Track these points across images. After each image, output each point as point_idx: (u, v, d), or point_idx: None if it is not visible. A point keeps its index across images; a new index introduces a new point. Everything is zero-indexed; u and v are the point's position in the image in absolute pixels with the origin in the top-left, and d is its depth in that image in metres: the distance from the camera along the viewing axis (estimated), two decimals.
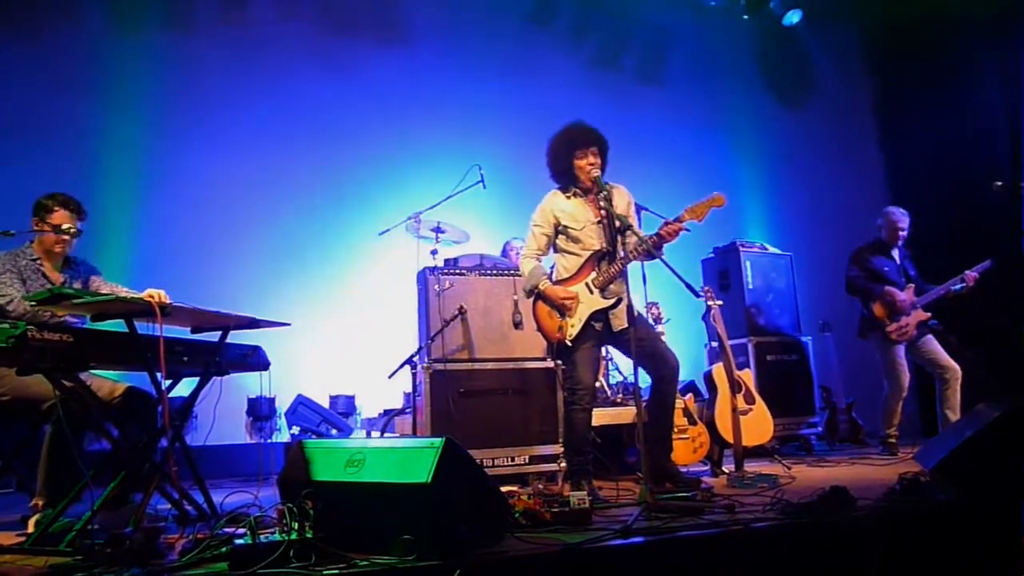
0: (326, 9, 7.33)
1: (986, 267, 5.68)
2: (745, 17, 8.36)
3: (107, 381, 3.86)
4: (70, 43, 6.41)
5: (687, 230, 3.96)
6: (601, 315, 4.06)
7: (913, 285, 5.80)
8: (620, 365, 6.06)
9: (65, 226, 3.85)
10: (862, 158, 9.19)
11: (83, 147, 6.26)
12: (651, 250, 3.88)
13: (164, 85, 6.62)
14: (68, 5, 6.46)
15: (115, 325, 3.35)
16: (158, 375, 3.35)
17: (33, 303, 3.39)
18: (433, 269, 4.95)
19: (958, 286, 5.67)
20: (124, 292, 3.72)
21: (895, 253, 5.98)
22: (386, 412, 6.08)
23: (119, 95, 6.44)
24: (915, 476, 3.44)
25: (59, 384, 3.26)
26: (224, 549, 2.56)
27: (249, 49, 6.99)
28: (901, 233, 5.93)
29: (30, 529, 3.20)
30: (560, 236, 4.24)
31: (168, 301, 3.38)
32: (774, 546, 2.87)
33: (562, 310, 4.06)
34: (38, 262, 3.87)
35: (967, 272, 5.65)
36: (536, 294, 4.18)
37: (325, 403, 6.43)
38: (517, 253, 6.12)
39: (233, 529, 2.80)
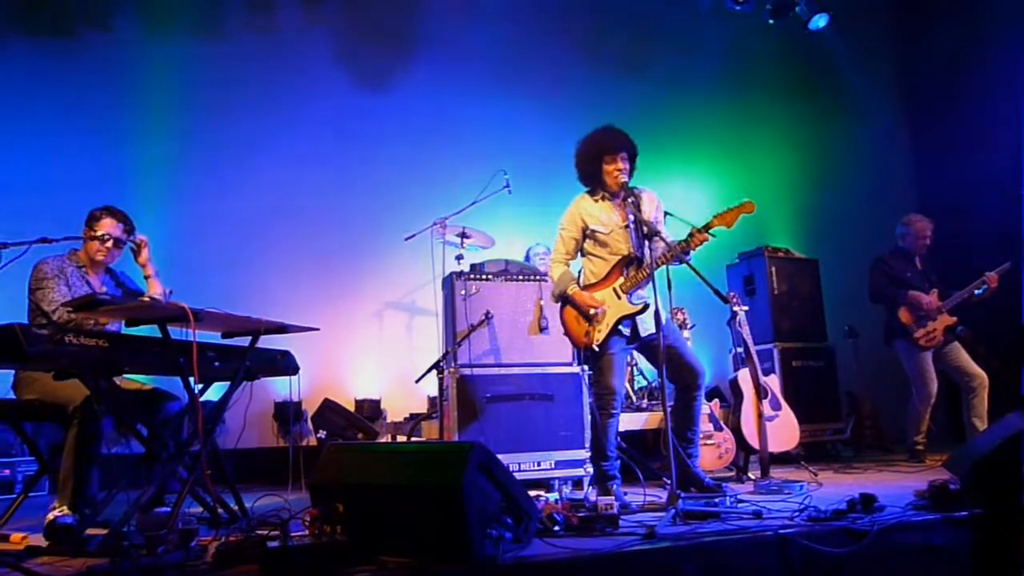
0: (352, 17, 7.38)
1: (1007, 269, 5.64)
2: (771, 22, 8.31)
3: (134, 383, 3.95)
4: (103, 53, 6.49)
5: (713, 235, 3.97)
6: (628, 320, 4.07)
7: (937, 290, 5.76)
8: (645, 370, 6.06)
9: (105, 234, 3.94)
10: (889, 162, 9.13)
11: (114, 156, 6.35)
12: (679, 255, 3.89)
13: (194, 94, 6.68)
14: (101, 16, 6.55)
15: (150, 331, 3.41)
16: (191, 379, 3.41)
17: (69, 309, 3.48)
18: (459, 274, 4.97)
19: (980, 289, 5.63)
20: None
21: (917, 260, 5.94)
22: (412, 416, 6.11)
23: (150, 104, 6.51)
24: (944, 484, 3.42)
25: (94, 388, 3.33)
26: (256, 551, 2.60)
27: (277, 58, 7.05)
28: (925, 241, 5.90)
29: (46, 521, 3.26)
30: (588, 240, 4.25)
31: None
32: (802, 553, 2.87)
33: (589, 316, 4.07)
34: (83, 270, 3.98)
35: (987, 274, 5.61)
36: (564, 299, 4.20)
37: (351, 407, 6.47)
38: (541, 259, 6.15)
39: (265, 532, 2.85)
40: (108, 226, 3.98)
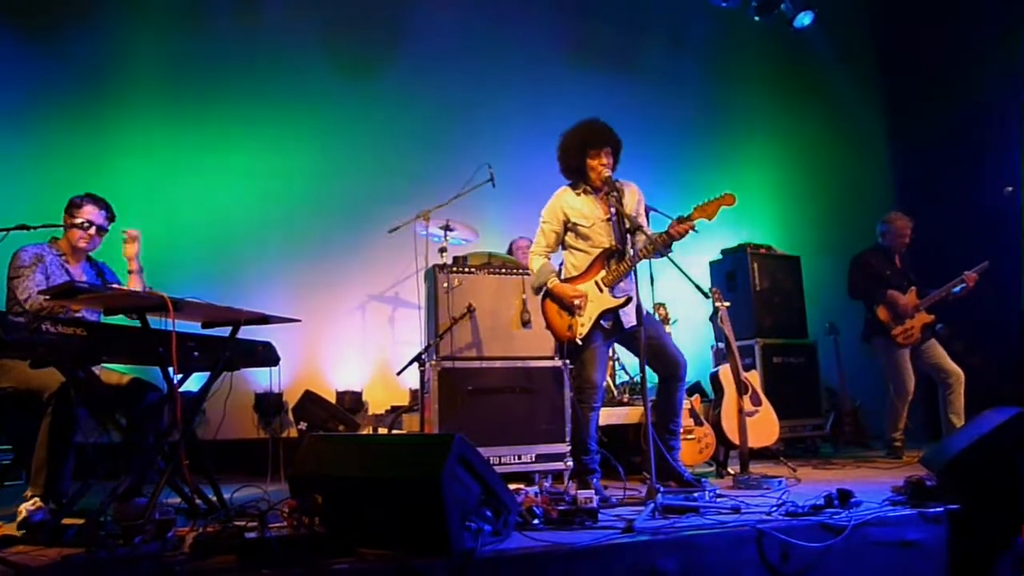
0: (337, 8, 7.34)
1: (985, 268, 5.69)
2: (756, 19, 8.35)
3: (114, 373, 3.92)
4: (86, 44, 6.42)
5: (695, 230, 3.97)
6: (611, 314, 4.07)
7: (915, 288, 5.80)
8: (627, 364, 6.08)
9: (87, 222, 3.91)
10: (871, 160, 9.20)
11: (97, 146, 6.29)
12: (660, 249, 3.89)
13: (177, 85, 6.64)
14: (85, 7, 6.48)
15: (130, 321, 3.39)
16: (170, 369, 3.38)
17: (47, 297, 3.45)
18: (442, 267, 4.96)
19: (958, 288, 5.68)
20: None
21: (897, 258, 5.99)
22: (394, 408, 6.11)
23: (132, 95, 6.46)
24: (921, 480, 3.45)
25: (71, 377, 3.30)
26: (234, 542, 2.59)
27: (260, 49, 7.01)
28: (904, 239, 5.94)
29: (19, 518, 3.24)
30: (569, 233, 4.25)
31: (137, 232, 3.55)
32: (779, 546, 2.89)
33: (571, 309, 4.07)
34: (63, 258, 3.96)
35: (966, 273, 5.66)
36: (545, 292, 4.19)
37: (332, 399, 6.45)
38: (524, 252, 6.14)
39: (243, 523, 2.84)
40: (90, 213, 3.96)
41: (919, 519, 3.20)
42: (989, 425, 3.49)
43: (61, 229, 3.96)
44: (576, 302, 4.05)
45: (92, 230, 3.96)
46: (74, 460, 3.60)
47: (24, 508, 3.29)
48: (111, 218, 4.04)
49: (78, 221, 3.93)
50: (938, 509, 3.24)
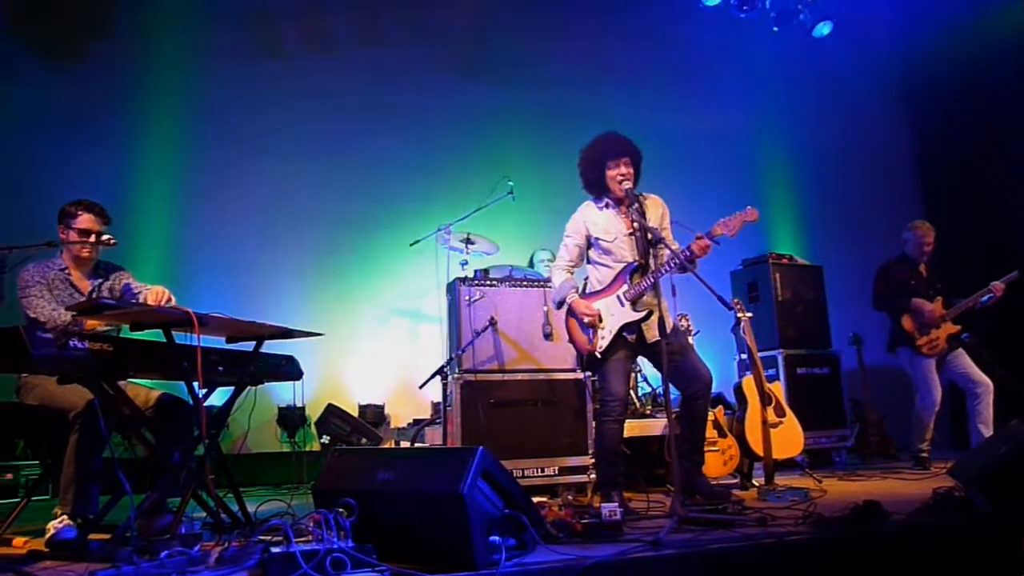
0: (355, 19, 7.40)
1: (1013, 278, 5.61)
2: (775, 29, 8.32)
3: (142, 389, 3.93)
4: (108, 60, 6.52)
5: (718, 243, 3.96)
6: (633, 327, 4.06)
7: (941, 298, 5.74)
8: (649, 376, 6.05)
9: (85, 232, 3.86)
10: (895, 169, 9.12)
11: (120, 161, 6.37)
12: (684, 264, 3.87)
13: (199, 99, 6.72)
14: (107, 23, 6.58)
15: (153, 335, 3.41)
16: (195, 384, 3.41)
17: (74, 313, 3.48)
18: (464, 280, 4.97)
19: (985, 297, 5.61)
20: (151, 297, 3.73)
21: (922, 267, 5.93)
22: (416, 422, 6.11)
23: (155, 111, 6.54)
24: (949, 491, 3.41)
25: (99, 392, 3.33)
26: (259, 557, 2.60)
27: (281, 63, 7.08)
28: (927, 248, 5.88)
29: (47, 535, 3.27)
30: (592, 248, 4.24)
31: (172, 299, 3.54)
32: (807, 560, 2.86)
33: (585, 325, 4.07)
34: (66, 271, 3.90)
35: (993, 283, 5.58)
36: (565, 307, 4.19)
37: (354, 412, 6.47)
38: (545, 265, 6.14)
39: (268, 537, 2.84)
40: (87, 222, 3.87)
41: (948, 531, 3.15)
42: (1017, 436, 3.43)
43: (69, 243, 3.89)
44: (586, 320, 4.04)
45: (91, 241, 3.87)
46: (102, 476, 3.62)
47: (52, 525, 3.32)
48: (107, 222, 3.96)
49: (80, 230, 3.85)
50: (967, 521, 3.19)
